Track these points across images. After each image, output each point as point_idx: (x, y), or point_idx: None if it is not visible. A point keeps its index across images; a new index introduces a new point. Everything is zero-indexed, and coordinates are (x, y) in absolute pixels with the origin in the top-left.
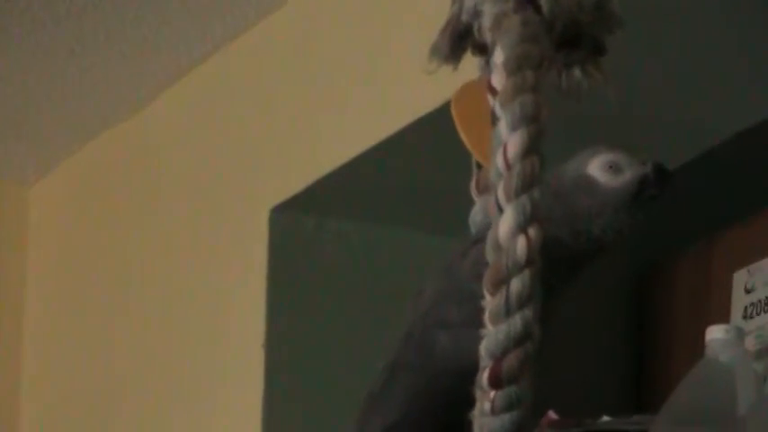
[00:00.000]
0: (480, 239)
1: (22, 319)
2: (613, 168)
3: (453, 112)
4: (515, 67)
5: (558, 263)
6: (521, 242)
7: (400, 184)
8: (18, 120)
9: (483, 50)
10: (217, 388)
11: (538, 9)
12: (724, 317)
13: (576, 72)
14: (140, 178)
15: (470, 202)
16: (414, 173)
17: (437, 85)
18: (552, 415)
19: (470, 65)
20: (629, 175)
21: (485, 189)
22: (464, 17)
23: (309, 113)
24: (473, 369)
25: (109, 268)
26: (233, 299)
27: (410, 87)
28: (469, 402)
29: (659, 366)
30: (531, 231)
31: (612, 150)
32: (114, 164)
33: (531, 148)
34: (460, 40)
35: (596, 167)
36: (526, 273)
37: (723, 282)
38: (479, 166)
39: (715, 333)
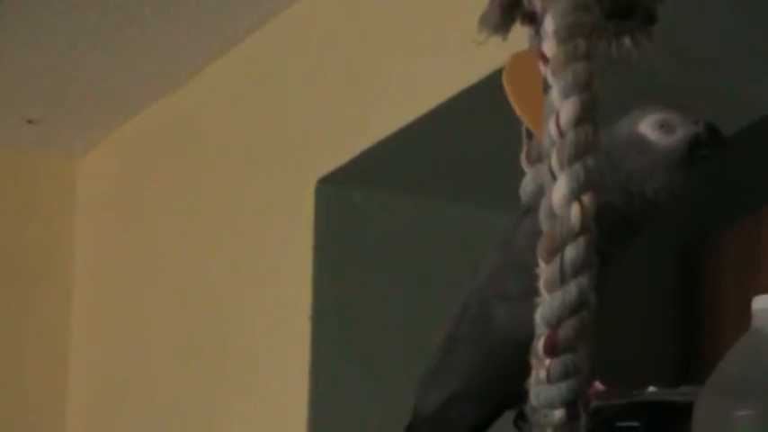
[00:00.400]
0: (531, 209)
1: (71, 293)
2: (665, 127)
3: (505, 82)
4: (567, 35)
5: (611, 228)
6: (575, 209)
7: (447, 156)
8: (65, 94)
9: (532, 20)
10: (264, 360)
11: None
12: None
13: (627, 41)
14: (186, 151)
15: (520, 174)
16: (461, 145)
17: (483, 56)
18: (598, 385)
19: (519, 36)
20: (680, 133)
21: (536, 160)
22: None
23: (355, 85)
24: (531, 340)
25: (156, 240)
26: (279, 271)
27: (456, 58)
28: (528, 373)
29: (707, 337)
30: (586, 199)
31: (665, 109)
32: (161, 137)
33: (584, 116)
34: (510, 9)
35: (648, 126)
36: (581, 240)
37: None
38: (530, 137)
39: (762, 303)
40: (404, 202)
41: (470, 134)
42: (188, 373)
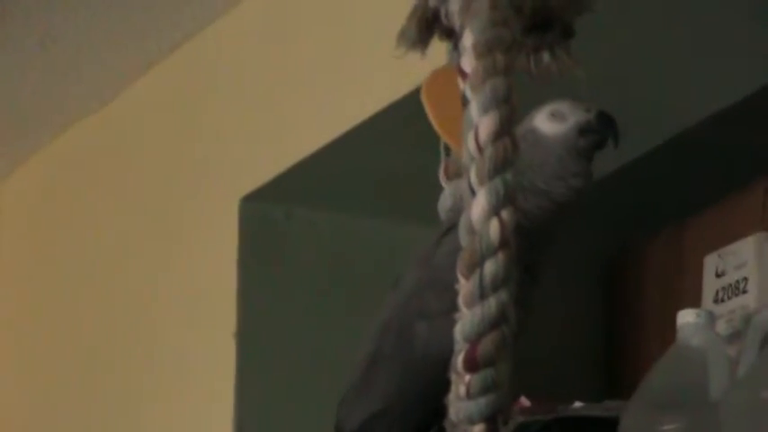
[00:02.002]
0: (453, 227)
1: None
2: (557, 116)
3: (424, 98)
4: (485, 49)
5: (520, 237)
6: (494, 225)
7: (370, 173)
8: None
9: (451, 35)
10: (188, 378)
11: None
12: (695, 301)
13: (545, 55)
14: (110, 171)
15: (440, 189)
16: (383, 161)
17: (405, 72)
18: (524, 401)
19: (438, 51)
20: (571, 121)
21: (454, 175)
22: (431, 2)
23: (278, 102)
24: (452, 357)
25: (80, 261)
26: (204, 289)
27: (378, 75)
28: (449, 389)
29: (630, 351)
30: (505, 214)
31: (560, 101)
32: (85, 156)
33: (503, 130)
34: (428, 24)
35: (541, 118)
36: (500, 255)
37: (694, 266)
38: (448, 153)
39: (686, 317)
40: (328, 219)
41: (392, 151)
42: (111, 393)
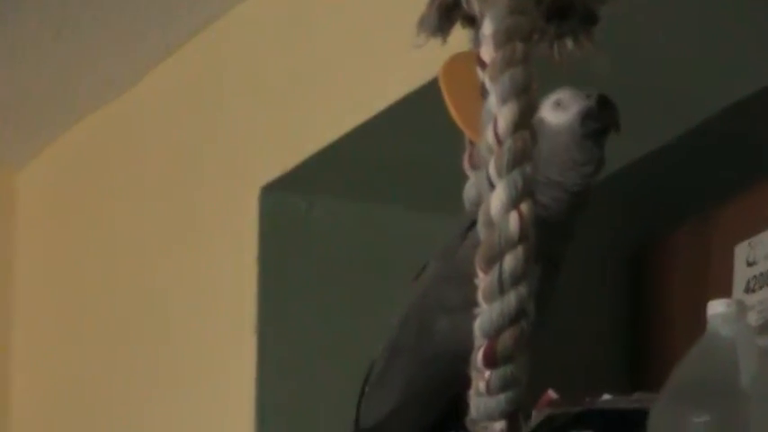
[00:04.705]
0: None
1: (11, 305)
2: (560, 105)
3: (442, 85)
4: (504, 39)
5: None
6: (513, 218)
7: (392, 161)
8: (5, 103)
9: (472, 22)
10: (207, 375)
11: None
12: (725, 291)
13: (568, 43)
14: (128, 160)
15: (465, 178)
16: (406, 149)
17: (426, 60)
18: (551, 394)
19: (461, 39)
20: (574, 109)
21: (478, 164)
22: None
23: (298, 91)
24: (472, 352)
25: (97, 251)
26: (224, 280)
27: (399, 62)
28: (469, 385)
29: (659, 343)
30: (524, 207)
31: (561, 90)
32: (102, 146)
33: (522, 122)
34: (449, 12)
35: (546, 109)
36: (519, 249)
37: (724, 255)
38: (472, 141)
39: (716, 308)
40: (350, 208)
41: (415, 139)
42: (131, 387)
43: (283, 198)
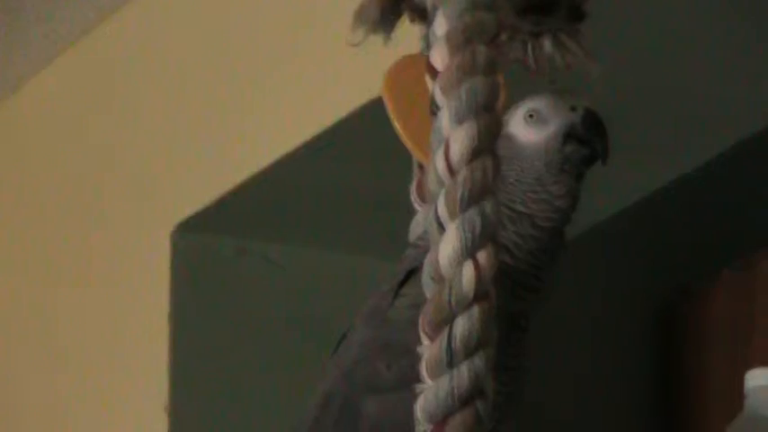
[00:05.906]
0: (415, 271)
1: None
2: (535, 118)
3: (385, 95)
4: (462, 40)
5: (502, 279)
6: (467, 271)
7: (311, 199)
8: None
9: (424, 16)
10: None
11: None
12: None
13: (547, 44)
14: (32, 201)
15: (408, 213)
16: (325, 186)
17: (364, 77)
18: None
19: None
20: (553, 126)
21: (429, 195)
22: None
23: (212, 127)
24: None
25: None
26: (135, 323)
27: (320, 90)
28: None
29: (689, 412)
30: (482, 256)
31: (537, 97)
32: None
33: (482, 147)
34: (394, 2)
35: (516, 121)
36: (475, 310)
37: (766, 309)
38: (422, 166)
39: (757, 379)
40: (273, 249)
41: (334, 174)
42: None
43: (196, 238)
